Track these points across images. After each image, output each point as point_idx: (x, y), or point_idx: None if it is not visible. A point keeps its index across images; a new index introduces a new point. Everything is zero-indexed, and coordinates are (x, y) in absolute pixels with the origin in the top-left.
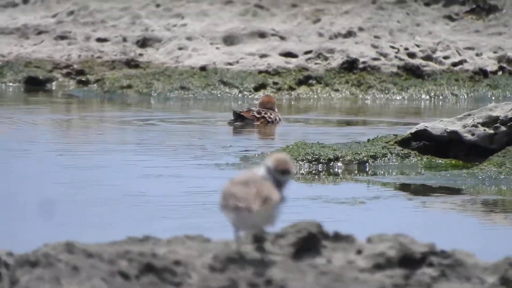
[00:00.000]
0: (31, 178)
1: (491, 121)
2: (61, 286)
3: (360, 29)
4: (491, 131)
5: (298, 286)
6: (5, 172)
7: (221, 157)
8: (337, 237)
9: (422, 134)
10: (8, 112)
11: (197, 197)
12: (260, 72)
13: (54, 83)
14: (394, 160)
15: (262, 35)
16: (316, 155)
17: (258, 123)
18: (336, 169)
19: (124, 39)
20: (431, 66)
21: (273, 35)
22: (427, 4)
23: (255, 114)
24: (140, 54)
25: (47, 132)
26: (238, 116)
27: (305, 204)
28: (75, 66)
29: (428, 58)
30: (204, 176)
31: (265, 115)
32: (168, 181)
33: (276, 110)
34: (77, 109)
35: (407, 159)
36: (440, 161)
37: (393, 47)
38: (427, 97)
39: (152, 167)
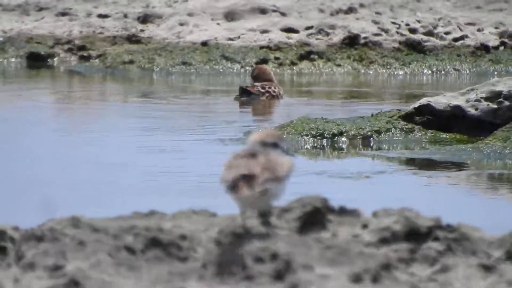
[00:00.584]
0: (35, 157)
1: (494, 96)
2: (67, 260)
3: (361, 5)
4: (494, 106)
5: (304, 260)
6: (10, 151)
7: (225, 132)
8: (343, 211)
9: (425, 109)
10: (12, 88)
11: (200, 173)
12: (261, 47)
13: (55, 59)
14: (398, 134)
15: (262, 11)
16: (320, 130)
17: (264, 98)
18: (340, 144)
19: (125, 15)
20: (433, 41)
21: (273, 11)
22: None
23: (260, 89)
24: (142, 30)
25: (49, 110)
26: (244, 91)
27: (310, 178)
28: (76, 41)
29: (429, 33)
30: (207, 151)
31: (269, 90)
32: (172, 157)
33: (275, 80)
34: (80, 85)
35: (411, 134)
36: (444, 136)
37: (394, 23)
38: (429, 72)
39: (155, 142)
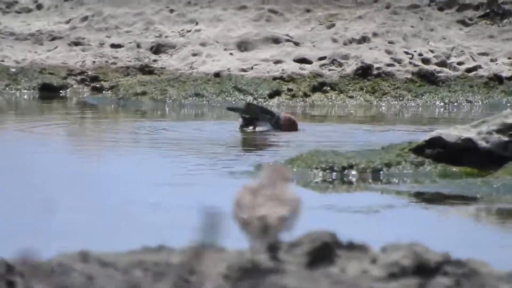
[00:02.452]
0: (44, 186)
1: (506, 128)
2: None
3: (374, 34)
4: (506, 138)
5: None
6: (20, 180)
7: (235, 166)
8: (351, 246)
9: (436, 142)
10: (25, 122)
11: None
12: (274, 78)
13: (68, 90)
14: (408, 168)
15: (276, 40)
16: (330, 163)
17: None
18: (350, 177)
19: (138, 45)
20: (445, 72)
21: (287, 40)
22: (440, 9)
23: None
24: (154, 60)
25: (60, 141)
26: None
27: (319, 213)
28: (89, 72)
29: (442, 64)
30: (217, 185)
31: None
32: (181, 190)
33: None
34: (92, 117)
35: (421, 167)
36: (454, 169)
37: (407, 53)
38: (442, 103)
39: (164, 175)
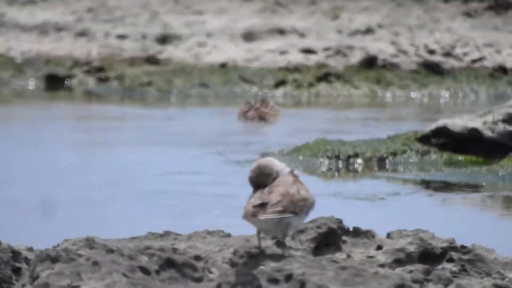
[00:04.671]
0: (52, 177)
1: (511, 118)
2: (82, 281)
3: (379, 25)
4: (511, 128)
5: (318, 280)
6: (29, 171)
7: (242, 154)
8: (357, 233)
9: (442, 131)
10: (30, 112)
11: (219, 194)
12: (280, 69)
13: (74, 80)
14: (414, 156)
15: (281, 31)
16: (336, 151)
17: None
18: (356, 166)
19: (144, 36)
20: (451, 63)
21: (292, 32)
22: (445, 1)
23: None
24: (160, 51)
25: (68, 131)
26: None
27: (325, 200)
28: (94, 63)
29: (447, 55)
30: (224, 173)
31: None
32: (187, 177)
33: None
34: (98, 107)
35: (427, 156)
36: (460, 158)
37: (412, 44)
38: (447, 93)
39: (172, 164)
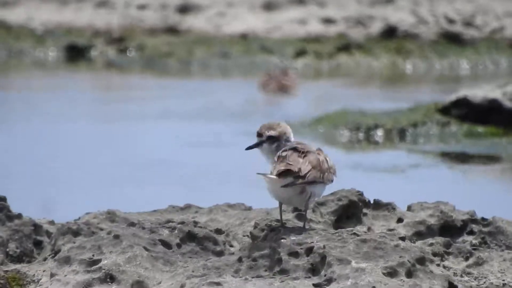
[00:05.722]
0: (73, 151)
1: None
2: (103, 254)
3: None
4: None
5: (339, 254)
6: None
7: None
8: (378, 205)
9: (462, 102)
10: (50, 82)
11: (240, 167)
12: (299, 39)
13: (94, 51)
14: (434, 128)
15: (301, 1)
16: (357, 123)
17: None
18: (376, 137)
19: (164, 6)
20: (471, 33)
21: (312, 1)
22: None
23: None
24: (180, 21)
25: (88, 103)
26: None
27: (346, 172)
28: (115, 33)
29: (467, 24)
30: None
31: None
32: (208, 149)
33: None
34: (118, 78)
35: (447, 127)
36: (480, 129)
37: (432, 14)
38: (467, 64)
39: (193, 136)
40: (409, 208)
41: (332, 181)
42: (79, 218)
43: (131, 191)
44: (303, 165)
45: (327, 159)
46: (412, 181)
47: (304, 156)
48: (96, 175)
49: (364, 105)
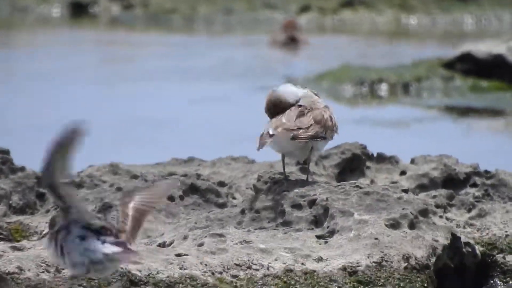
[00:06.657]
0: (77, 106)
1: None
2: None
3: None
4: None
5: (342, 206)
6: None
7: (266, 81)
8: (381, 158)
9: (466, 57)
10: (54, 39)
11: (244, 121)
12: None
13: (98, 7)
14: (438, 82)
15: None
16: (361, 77)
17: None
18: (380, 92)
19: None
20: None
21: None
22: None
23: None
24: None
25: (93, 60)
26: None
27: (350, 126)
28: None
29: None
30: (250, 99)
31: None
32: (213, 104)
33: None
34: (122, 34)
35: (451, 82)
36: (484, 84)
37: None
38: (471, 19)
39: (198, 92)
40: (413, 161)
41: (332, 137)
42: (82, 170)
43: (135, 146)
44: (305, 120)
45: (332, 116)
46: (416, 135)
47: (309, 112)
48: (100, 130)
49: (368, 60)
